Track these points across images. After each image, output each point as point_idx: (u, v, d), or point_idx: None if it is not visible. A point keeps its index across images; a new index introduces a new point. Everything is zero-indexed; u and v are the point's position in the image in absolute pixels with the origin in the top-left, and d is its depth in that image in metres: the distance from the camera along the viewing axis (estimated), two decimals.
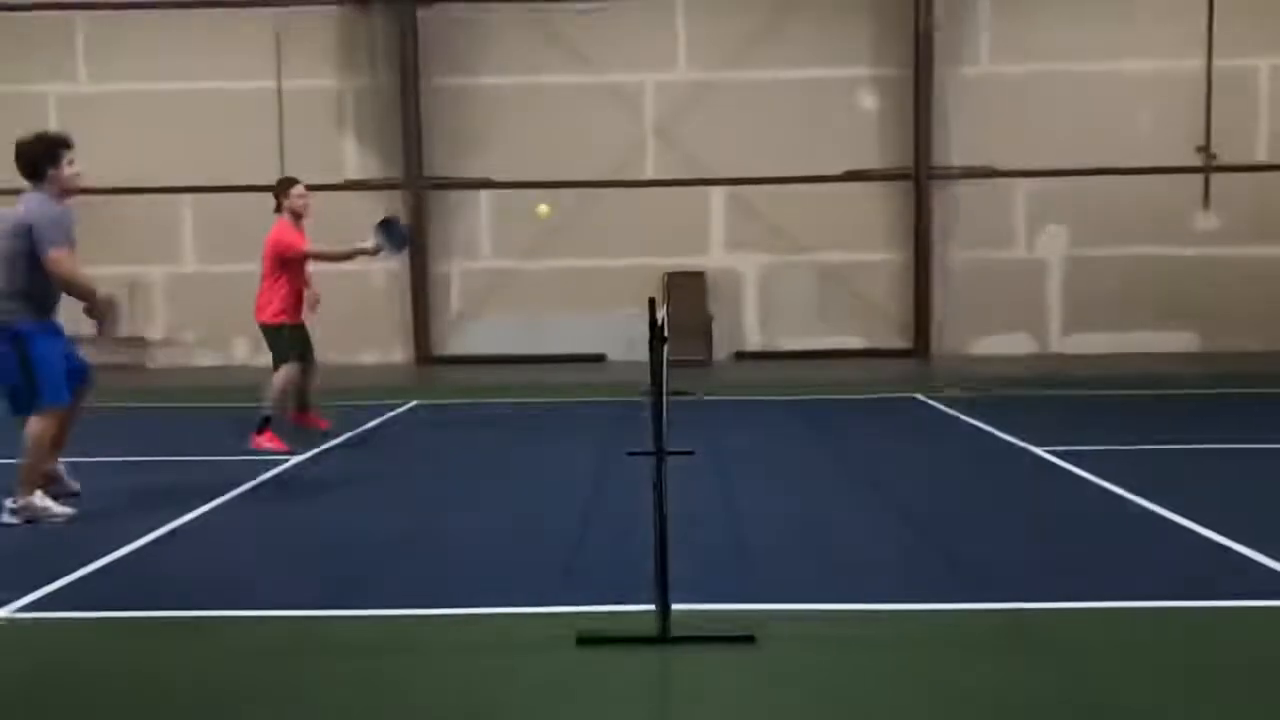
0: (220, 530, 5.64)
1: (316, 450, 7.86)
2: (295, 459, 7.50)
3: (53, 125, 15.29)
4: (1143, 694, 3.32)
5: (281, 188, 8.18)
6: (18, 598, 4.37)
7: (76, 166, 5.89)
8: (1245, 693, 3.34)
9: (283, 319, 8.05)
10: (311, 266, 8.41)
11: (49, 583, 4.58)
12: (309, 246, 8.15)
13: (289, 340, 8.07)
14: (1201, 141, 15.00)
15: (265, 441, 7.78)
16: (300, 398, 8.40)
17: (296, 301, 8.14)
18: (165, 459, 7.79)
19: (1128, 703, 3.25)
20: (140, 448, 8.31)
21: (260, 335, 8.28)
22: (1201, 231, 15.19)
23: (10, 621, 4.16)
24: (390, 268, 15.41)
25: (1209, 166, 15.04)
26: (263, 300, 8.07)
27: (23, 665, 3.75)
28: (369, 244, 8.16)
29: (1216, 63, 14.87)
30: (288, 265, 8.02)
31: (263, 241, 8.16)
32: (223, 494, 6.36)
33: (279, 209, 8.12)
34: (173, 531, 5.53)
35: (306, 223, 8.26)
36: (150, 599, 4.45)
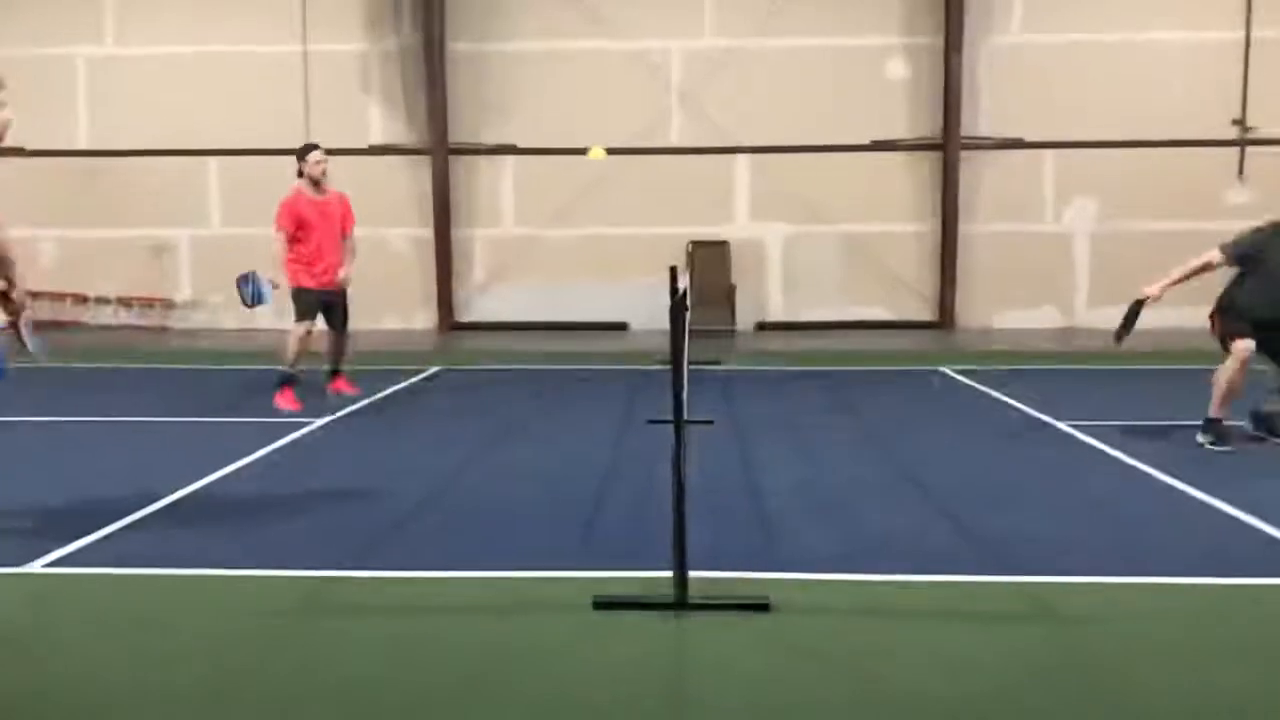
0: (242, 491, 5.71)
1: (339, 414, 7.94)
2: (318, 422, 7.57)
3: (81, 87, 15.39)
4: (1156, 669, 3.32)
5: (300, 153, 8.36)
6: (45, 553, 4.46)
7: (7, 111, 4.45)
8: (1260, 669, 3.33)
9: (295, 283, 8.26)
10: (359, 233, 8.68)
11: (75, 539, 4.66)
12: (280, 228, 8.18)
13: (300, 303, 8.26)
14: (1237, 114, 14.74)
15: (278, 400, 8.11)
16: (331, 363, 8.70)
17: (307, 266, 8.25)
18: (189, 420, 7.89)
19: (1141, 678, 3.26)
20: (165, 408, 8.42)
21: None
22: (1234, 206, 14.96)
23: (37, 576, 4.25)
24: (414, 234, 15.45)
25: (1244, 139, 14.79)
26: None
27: (48, 619, 3.82)
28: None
29: (1254, 33, 14.58)
30: (294, 231, 8.19)
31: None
32: (246, 455, 6.44)
33: (300, 173, 8.33)
34: (196, 491, 5.61)
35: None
36: (174, 557, 4.52)
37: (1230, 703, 3.11)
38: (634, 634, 3.58)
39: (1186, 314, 14.79)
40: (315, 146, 8.42)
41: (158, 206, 15.33)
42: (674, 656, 3.44)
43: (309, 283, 8.27)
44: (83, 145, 15.39)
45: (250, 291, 7.97)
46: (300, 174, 8.31)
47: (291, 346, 8.18)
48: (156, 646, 3.54)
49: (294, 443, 6.92)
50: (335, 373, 8.77)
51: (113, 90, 15.41)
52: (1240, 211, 14.95)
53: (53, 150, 15.22)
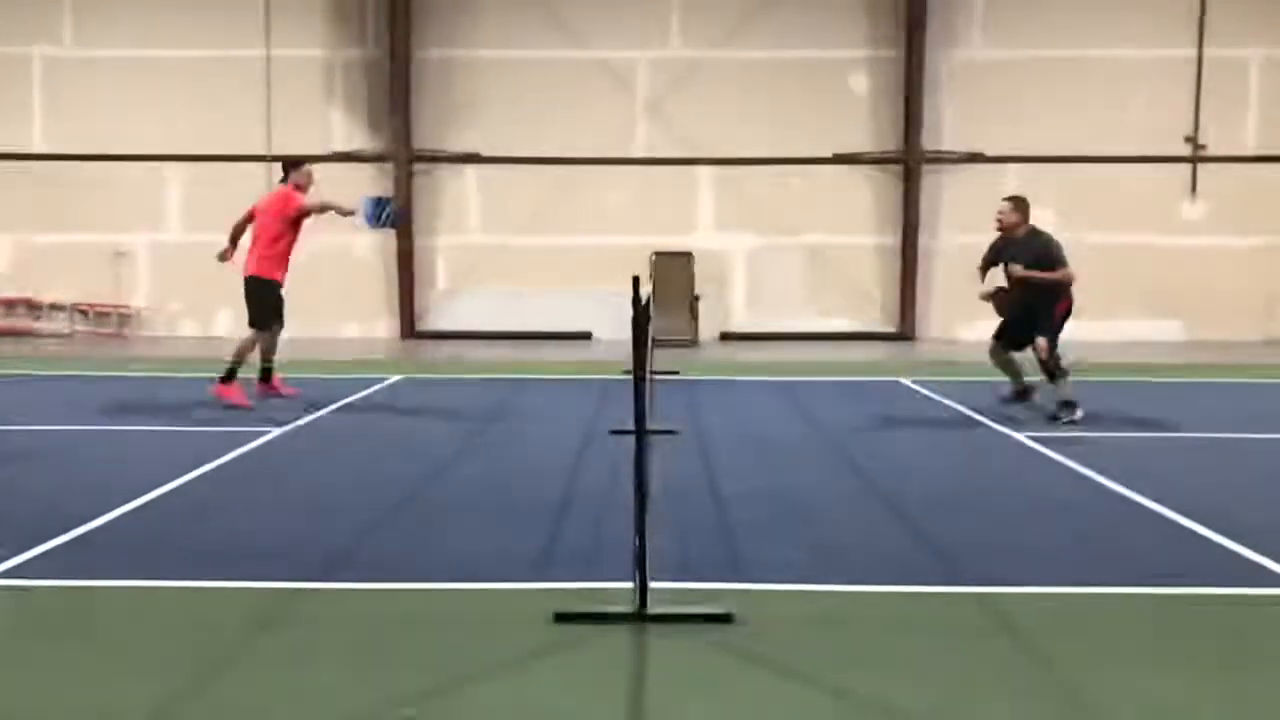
0: (202, 501, 5.62)
1: (299, 422, 7.85)
2: (277, 431, 7.48)
3: (37, 89, 15.14)
4: (1111, 678, 3.36)
5: (295, 163, 8.66)
6: None
7: None
8: (1209, 677, 3.38)
9: (276, 275, 8.45)
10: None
11: (29, 549, 4.56)
12: (309, 201, 8.56)
13: (276, 301, 8.48)
14: (1190, 131, 15.04)
15: (228, 393, 8.30)
16: (270, 361, 8.78)
17: (284, 262, 8.52)
18: (147, 428, 7.77)
19: (1096, 686, 3.29)
20: (123, 417, 8.28)
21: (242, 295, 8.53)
22: (1187, 221, 15.25)
23: None
24: (376, 242, 15.36)
25: (1196, 156, 15.09)
26: (262, 256, 8.39)
27: (1, 633, 3.74)
28: (348, 205, 8.37)
29: (1207, 52, 14.90)
30: (295, 225, 8.40)
31: (256, 206, 8.63)
32: (205, 464, 6.34)
33: (285, 179, 8.59)
34: (155, 501, 5.52)
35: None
36: (132, 568, 4.44)
37: (1184, 710, 3.14)
38: (595, 647, 3.56)
39: (1146, 328, 15.10)
40: (306, 159, 8.85)
41: (115, 212, 15.12)
42: (635, 669, 3.42)
43: (283, 278, 8.49)
44: (38, 148, 15.13)
45: (380, 212, 8.11)
46: (285, 180, 8.57)
47: (249, 347, 8.39)
48: (104, 661, 3.47)
49: (253, 453, 6.83)
50: (271, 371, 8.79)
51: (71, 92, 15.19)
52: (1193, 226, 15.28)
53: (6, 154, 14.96)
